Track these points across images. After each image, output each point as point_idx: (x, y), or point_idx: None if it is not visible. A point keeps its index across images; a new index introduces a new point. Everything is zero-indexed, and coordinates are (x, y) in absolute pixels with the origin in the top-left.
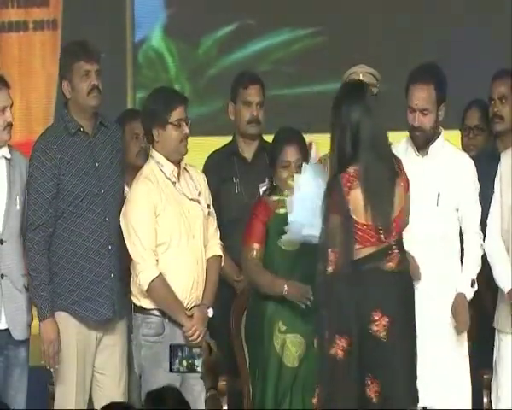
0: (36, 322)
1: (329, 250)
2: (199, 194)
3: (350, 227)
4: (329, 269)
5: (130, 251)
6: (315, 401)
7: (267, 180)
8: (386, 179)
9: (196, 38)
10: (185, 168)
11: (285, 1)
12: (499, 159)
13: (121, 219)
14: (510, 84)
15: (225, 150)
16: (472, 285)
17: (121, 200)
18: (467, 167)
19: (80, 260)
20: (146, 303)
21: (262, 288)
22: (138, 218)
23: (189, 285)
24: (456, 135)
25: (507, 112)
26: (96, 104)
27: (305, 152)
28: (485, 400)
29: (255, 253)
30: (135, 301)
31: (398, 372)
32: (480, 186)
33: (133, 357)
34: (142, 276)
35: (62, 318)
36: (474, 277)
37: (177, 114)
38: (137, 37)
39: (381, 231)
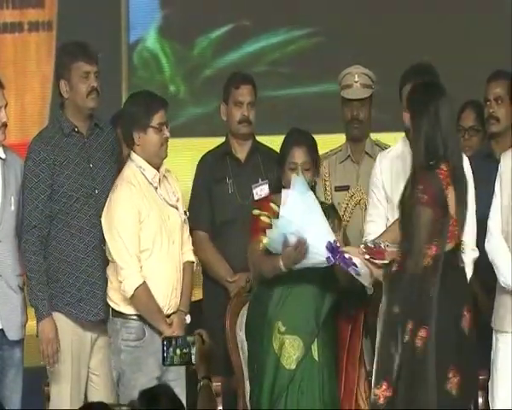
0: (31, 322)
1: (425, 245)
2: (177, 200)
3: (447, 222)
4: (426, 262)
5: (113, 255)
6: (379, 391)
7: (260, 181)
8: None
9: (191, 39)
10: (164, 174)
11: (280, 2)
12: (494, 160)
13: (103, 221)
14: (506, 85)
15: (218, 151)
16: None
17: None
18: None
19: (74, 261)
20: (126, 309)
21: (267, 274)
22: (123, 223)
23: (169, 291)
24: None
25: (503, 113)
26: (94, 106)
27: (314, 155)
28: (480, 400)
29: (262, 246)
30: (113, 305)
31: (476, 367)
32: (475, 187)
33: (110, 362)
34: (127, 282)
35: (57, 319)
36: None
37: (158, 118)
38: (132, 38)
39: (460, 229)
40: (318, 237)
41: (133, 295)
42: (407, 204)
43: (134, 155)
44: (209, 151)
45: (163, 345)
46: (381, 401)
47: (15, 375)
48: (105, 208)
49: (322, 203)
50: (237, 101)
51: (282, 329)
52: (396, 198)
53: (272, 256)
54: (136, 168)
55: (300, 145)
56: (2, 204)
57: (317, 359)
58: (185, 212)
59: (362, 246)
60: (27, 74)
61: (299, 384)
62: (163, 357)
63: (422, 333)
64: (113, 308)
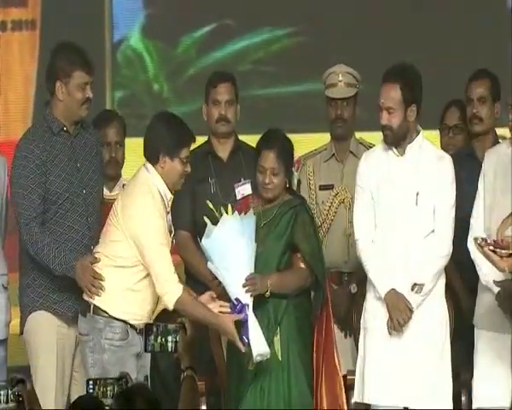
0: (15, 321)
1: None
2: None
3: None
4: None
5: (156, 264)
6: None
7: (242, 180)
8: None
9: (175, 38)
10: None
11: (264, 1)
12: (475, 159)
13: (136, 233)
14: (488, 84)
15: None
16: (417, 291)
17: (100, 202)
18: (445, 167)
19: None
20: (111, 309)
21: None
22: (160, 237)
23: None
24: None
25: (486, 113)
26: (85, 115)
27: (286, 159)
28: (463, 399)
29: None
30: (97, 303)
31: None
32: (457, 186)
33: (86, 359)
34: (170, 297)
35: (43, 317)
36: (425, 282)
37: (185, 152)
38: (116, 37)
39: None
40: (233, 285)
41: (176, 304)
42: None
43: (152, 169)
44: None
45: (144, 332)
46: None
47: None
48: (127, 209)
49: (290, 200)
50: (215, 100)
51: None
52: (381, 198)
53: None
54: (152, 182)
55: (270, 149)
56: None
57: (280, 358)
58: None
59: (479, 241)
60: (11, 73)
61: (261, 384)
62: (144, 344)
63: None
64: (95, 305)
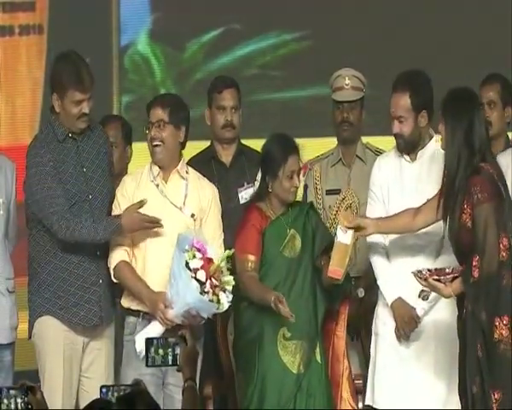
0: (23, 326)
1: (497, 240)
2: (184, 202)
3: (505, 210)
4: (501, 256)
5: None
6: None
7: (245, 184)
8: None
9: (182, 43)
10: (181, 175)
11: (271, 5)
12: None
13: None
14: (499, 89)
15: (203, 155)
16: (423, 298)
17: (110, 204)
18: None
19: (68, 266)
20: (124, 302)
21: (254, 299)
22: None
23: (162, 289)
24: None
25: (495, 117)
26: (84, 127)
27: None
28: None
29: (250, 264)
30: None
31: None
32: None
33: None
34: (109, 261)
35: (50, 322)
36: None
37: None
38: (123, 41)
39: None
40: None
41: (115, 274)
42: (456, 219)
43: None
44: (194, 156)
45: (146, 346)
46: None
47: (5, 379)
48: None
49: (298, 203)
50: (220, 106)
51: (288, 335)
52: (392, 203)
53: (264, 288)
54: (147, 167)
55: (295, 153)
56: None
57: (319, 361)
58: (192, 215)
59: (422, 271)
60: (18, 78)
61: (306, 388)
62: (146, 358)
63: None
64: (124, 307)
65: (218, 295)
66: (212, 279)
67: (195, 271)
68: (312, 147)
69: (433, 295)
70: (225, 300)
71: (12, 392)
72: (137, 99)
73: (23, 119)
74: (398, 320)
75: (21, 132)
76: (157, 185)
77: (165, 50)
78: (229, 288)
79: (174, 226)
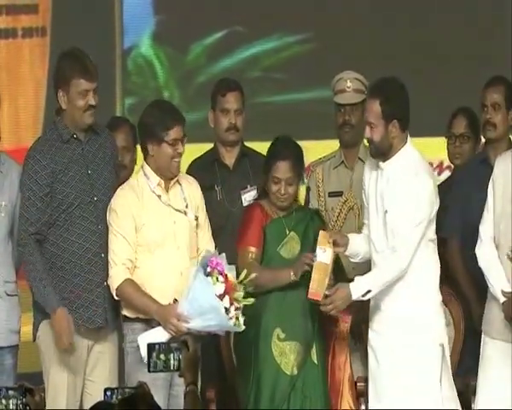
0: (26, 328)
1: None
2: (186, 206)
3: None
4: None
5: (109, 252)
6: None
7: (249, 187)
8: None
9: (185, 45)
10: (177, 180)
11: (274, 8)
12: (490, 166)
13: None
14: (503, 91)
15: (206, 158)
16: (363, 295)
17: None
18: (417, 185)
19: (73, 268)
20: (129, 312)
21: (266, 285)
22: (119, 225)
23: (170, 296)
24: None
25: (499, 120)
26: (91, 122)
27: (299, 168)
28: (473, 406)
29: (251, 255)
30: (122, 310)
31: None
32: (471, 193)
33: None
34: (111, 282)
35: None
36: (373, 288)
37: (173, 134)
38: (126, 43)
39: None
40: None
41: (118, 294)
42: None
43: (145, 165)
44: (197, 158)
45: (147, 352)
46: None
47: (6, 382)
48: (107, 211)
49: (302, 208)
50: (224, 108)
51: (282, 335)
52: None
53: (275, 270)
54: (142, 176)
55: (285, 159)
56: None
57: (316, 362)
58: (196, 217)
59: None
60: (21, 80)
61: (301, 389)
62: (148, 363)
63: None
64: (122, 314)
65: (238, 317)
66: (234, 303)
67: (221, 297)
68: (315, 149)
69: (371, 294)
70: (242, 319)
71: (10, 393)
72: (140, 101)
73: (26, 121)
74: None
75: (24, 134)
76: (159, 196)
77: (168, 53)
78: (241, 305)
79: (181, 230)
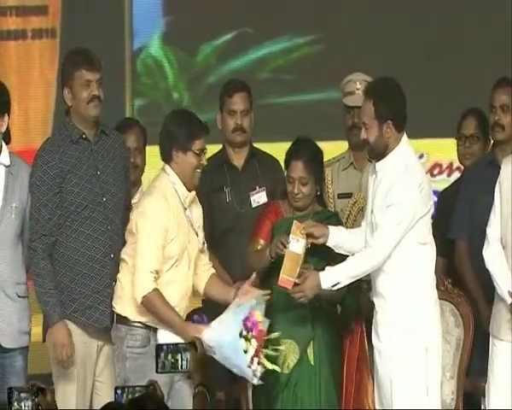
0: (36, 329)
1: None
2: (198, 226)
3: None
4: None
5: (137, 258)
6: None
7: (257, 188)
8: None
9: (195, 46)
10: (194, 197)
11: (283, 9)
12: (498, 167)
13: (137, 223)
14: None
15: (215, 160)
16: (333, 286)
17: (124, 208)
18: (402, 187)
19: (82, 269)
20: (132, 315)
21: (255, 265)
22: (154, 235)
23: (180, 312)
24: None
25: (508, 121)
26: (96, 114)
27: (315, 168)
28: (482, 407)
29: (258, 246)
30: (119, 311)
31: None
32: (478, 194)
33: (115, 369)
34: (138, 289)
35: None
36: (342, 280)
37: (199, 144)
38: (136, 45)
39: None
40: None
41: (144, 302)
42: None
43: (169, 169)
44: (206, 160)
45: (156, 352)
46: None
47: (17, 383)
48: (136, 210)
49: (323, 211)
50: (230, 109)
51: (277, 334)
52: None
53: (261, 252)
54: (169, 182)
55: (299, 159)
56: (2, 211)
57: (312, 363)
58: (203, 243)
59: None
60: (31, 82)
61: (293, 388)
62: (156, 364)
63: None
64: (118, 314)
65: (256, 373)
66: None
67: (252, 360)
68: (324, 150)
69: (340, 285)
70: (259, 374)
71: (23, 395)
72: (150, 103)
73: (36, 122)
74: None
75: (34, 136)
76: (185, 209)
77: (177, 54)
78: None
79: (192, 251)
